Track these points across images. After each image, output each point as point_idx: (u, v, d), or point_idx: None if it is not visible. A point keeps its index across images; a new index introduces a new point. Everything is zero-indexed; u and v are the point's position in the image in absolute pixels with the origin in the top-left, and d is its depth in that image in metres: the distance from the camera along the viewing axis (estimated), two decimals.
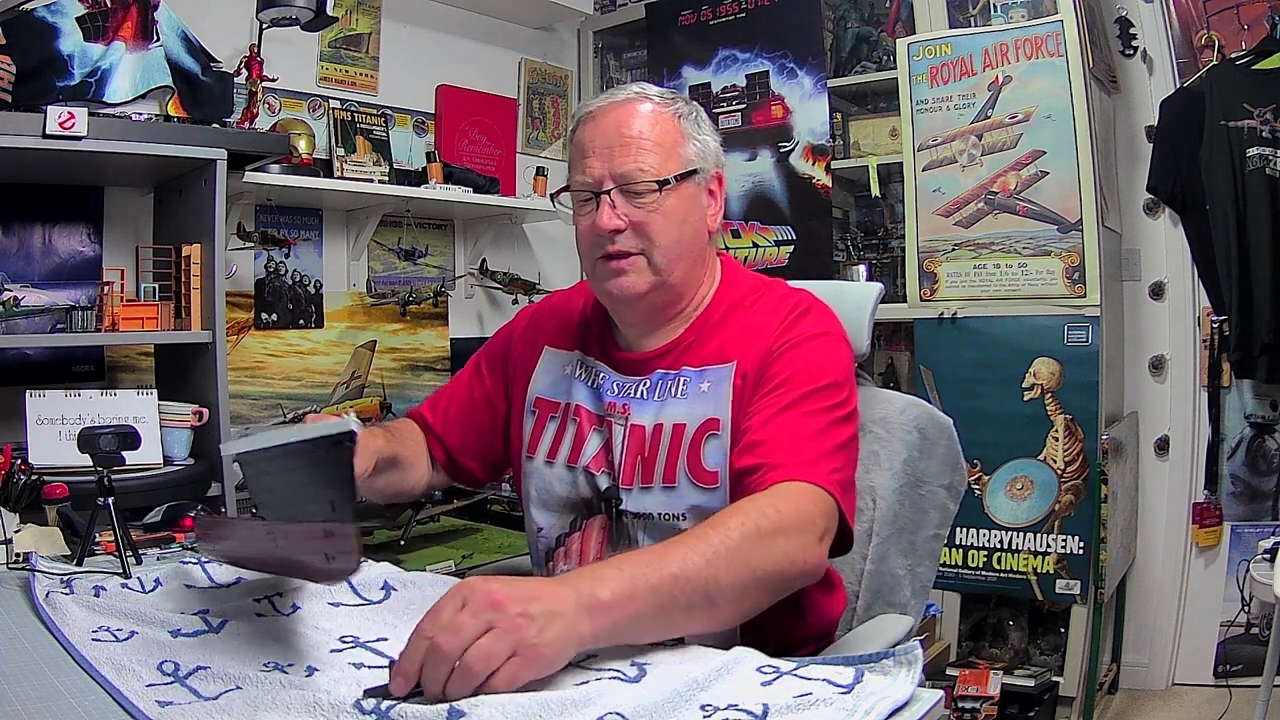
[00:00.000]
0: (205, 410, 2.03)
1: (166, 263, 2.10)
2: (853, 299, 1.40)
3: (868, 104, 3.09)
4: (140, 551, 1.21)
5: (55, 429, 1.82)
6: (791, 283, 1.34)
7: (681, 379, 1.23)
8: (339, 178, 2.69)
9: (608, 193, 1.20)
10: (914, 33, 2.79)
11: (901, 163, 2.80)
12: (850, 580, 1.37)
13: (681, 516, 1.18)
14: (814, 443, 1.11)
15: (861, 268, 2.95)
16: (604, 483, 1.23)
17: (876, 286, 1.46)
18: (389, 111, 2.93)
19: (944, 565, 2.68)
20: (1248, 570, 2.41)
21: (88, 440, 1.21)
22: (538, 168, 3.14)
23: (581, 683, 0.83)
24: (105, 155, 1.93)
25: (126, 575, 1.14)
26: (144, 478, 1.85)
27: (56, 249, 2.26)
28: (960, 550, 2.67)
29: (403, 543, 2.40)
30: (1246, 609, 2.75)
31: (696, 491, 1.17)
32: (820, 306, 1.26)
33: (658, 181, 1.20)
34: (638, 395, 1.25)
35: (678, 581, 0.90)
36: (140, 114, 2.01)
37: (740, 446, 1.15)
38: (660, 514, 1.19)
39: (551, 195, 1.31)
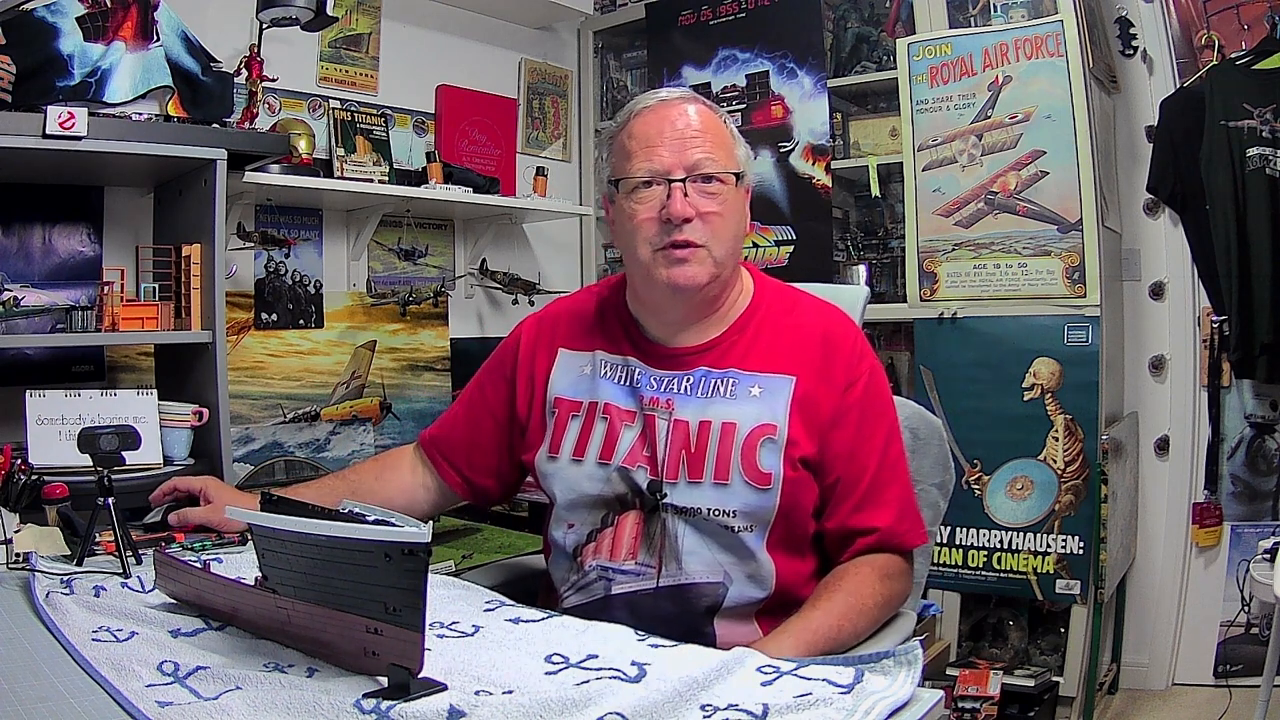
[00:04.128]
0: (205, 410, 2.03)
1: (166, 263, 2.10)
2: (844, 302, 1.45)
3: (868, 104, 3.09)
4: (140, 551, 1.21)
5: (55, 429, 1.82)
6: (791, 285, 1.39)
7: (730, 380, 1.25)
8: (339, 178, 2.69)
9: (682, 181, 1.21)
10: (914, 33, 2.79)
11: (901, 163, 2.80)
12: None
13: (732, 514, 1.20)
14: (905, 499, 1.27)
15: (861, 268, 2.95)
16: (641, 477, 1.23)
17: (864, 290, 1.55)
18: (389, 111, 2.93)
19: (944, 565, 2.68)
20: (1248, 570, 2.41)
21: (88, 440, 1.21)
22: (538, 168, 3.14)
23: (582, 683, 0.83)
24: (105, 155, 1.93)
25: (126, 575, 1.14)
26: (144, 478, 1.84)
27: (56, 249, 2.26)
28: (960, 550, 2.67)
29: None
30: (1246, 609, 2.74)
31: (749, 490, 1.19)
32: (849, 323, 1.32)
33: (735, 174, 1.24)
34: (681, 391, 1.26)
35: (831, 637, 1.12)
36: (140, 114, 2.01)
37: (851, 503, 1.23)
38: (710, 509, 1.20)
39: (611, 181, 1.29)
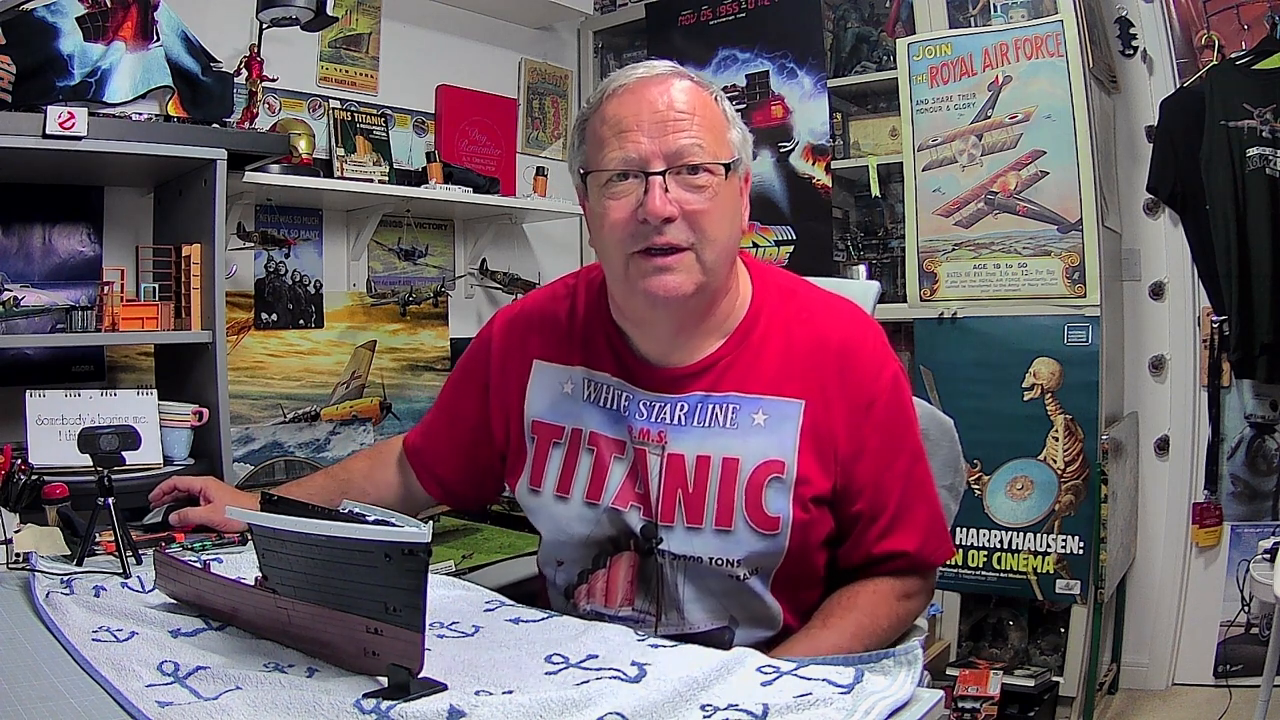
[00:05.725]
0: (205, 410, 2.03)
1: (166, 263, 2.10)
2: (853, 298, 1.40)
3: (868, 104, 3.09)
4: (140, 551, 1.21)
5: (55, 429, 1.82)
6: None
7: (731, 406, 1.11)
8: (339, 178, 2.68)
9: (661, 174, 1.04)
10: (914, 33, 2.79)
11: (901, 163, 2.80)
12: None
13: (736, 563, 1.09)
14: (933, 516, 1.19)
15: (861, 268, 2.95)
16: (634, 519, 1.12)
17: (874, 285, 1.48)
18: (389, 111, 2.93)
19: (944, 565, 2.68)
20: (1248, 570, 2.41)
21: (88, 440, 1.21)
22: (538, 168, 3.14)
23: (582, 683, 0.83)
24: (105, 155, 1.93)
25: (126, 575, 1.14)
26: (144, 478, 1.85)
27: (56, 249, 2.26)
28: (960, 550, 2.67)
29: None
30: (1246, 609, 2.74)
31: (756, 537, 1.08)
32: (866, 324, 1.19)
33: (725, 165, 1.06)
34: (675, 421, 1.12)
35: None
36: (140, 114, 2.01)
37: (875, 532, 1.13)
38: (712, 559, 1.09)
39: (581, 174, 1.12)
